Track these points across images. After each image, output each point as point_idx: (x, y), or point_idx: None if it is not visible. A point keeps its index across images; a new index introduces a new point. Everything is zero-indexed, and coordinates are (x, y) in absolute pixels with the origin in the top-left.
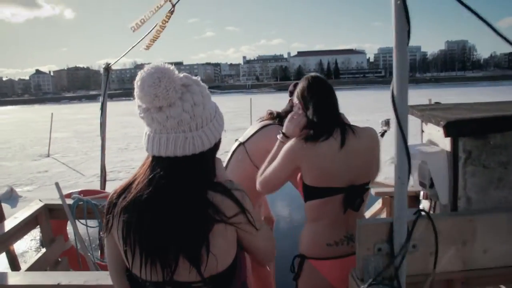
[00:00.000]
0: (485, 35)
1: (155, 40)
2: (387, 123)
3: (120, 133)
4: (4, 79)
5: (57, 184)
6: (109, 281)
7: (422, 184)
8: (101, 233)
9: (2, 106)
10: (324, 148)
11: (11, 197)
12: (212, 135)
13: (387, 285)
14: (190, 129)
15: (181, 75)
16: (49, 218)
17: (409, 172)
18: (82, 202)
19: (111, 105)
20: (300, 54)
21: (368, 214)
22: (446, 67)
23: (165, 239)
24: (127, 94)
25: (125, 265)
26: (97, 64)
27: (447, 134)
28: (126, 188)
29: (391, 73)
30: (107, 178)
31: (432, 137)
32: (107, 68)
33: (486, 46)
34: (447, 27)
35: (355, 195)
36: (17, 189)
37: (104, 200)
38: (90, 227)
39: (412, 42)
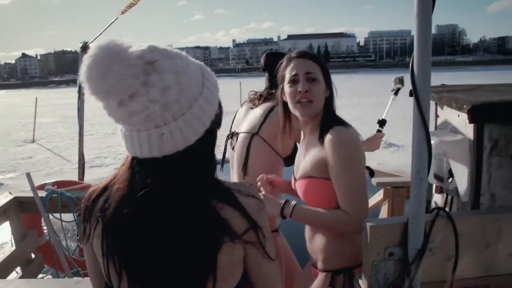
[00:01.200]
0: (475, 20)
1: (131, 7)
2: (401, 80)
3: (107, 118)
4: None
5: (28, 175)
6: None
7: (437, 177)
8: (77, 240)
9: None
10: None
11: None
12: (199, 121)
13: None
14: (164, 122)
15: (144, 47)
16: (20, 212)
17: (429, 166)
18: (56, 195)
19: None
20: (290, 37)
21: None
22: (436, 51)
23: (160, 270)
24: None
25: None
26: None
27: (471, 120)
28: (104, 190)
29: (381, 58)
30: (93, 164)
31: (449, 123)
32: (85, 47)
33: (476, 31)
34: (437, 11)
35: None
36: None
37: (81, 192)
38: (65, 221)
39: (402, 26)
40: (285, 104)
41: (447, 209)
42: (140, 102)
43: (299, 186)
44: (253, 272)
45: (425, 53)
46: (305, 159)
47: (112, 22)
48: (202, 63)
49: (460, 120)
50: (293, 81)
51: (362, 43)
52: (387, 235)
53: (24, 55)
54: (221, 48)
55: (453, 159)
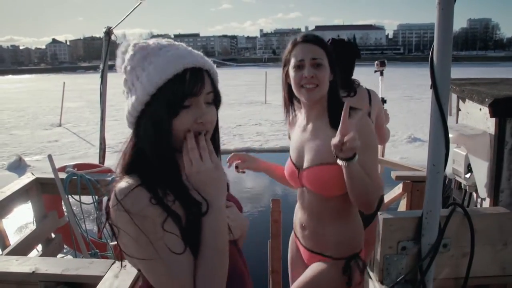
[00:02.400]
0: (510, 14)
1: None
2: (382, 63)
3: None
4: (21, 47)
5: (49, 157)
6: (90, 271)
7: (456, 171)
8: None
9: (18, 74)
10: None
11: (20, 166)
12: (135, 98)
13: None
14: (126, 97)
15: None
16: (42, 193)
17: (446, 159)
18: (76, 177)
19: None
20: (318, 28)
21: (385, 198)
22: (467, 46)
23: None
24: None
25: None
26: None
27: (493, 114)
28: None
29: (410, 51)
30: (117, 149)
31: (471, 117)
32: (108, 32)
33: (510, 25)
34: (470, 5)
35: None
36: (26, 158)
37: (101, 175)
38: (84, 203)
39: (433, 19)
40: (289, 87)
41: (465, 205)
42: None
43: (311, 174)
44: None
45: (445, 43)
46: (314, 146)
47: (135, 8)
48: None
49: (481, 114)
50: (299, 66)
51: (391, 36)
52: (400, 229)
53: (54, 40)
54: (248, 37)
55: (472, 154)
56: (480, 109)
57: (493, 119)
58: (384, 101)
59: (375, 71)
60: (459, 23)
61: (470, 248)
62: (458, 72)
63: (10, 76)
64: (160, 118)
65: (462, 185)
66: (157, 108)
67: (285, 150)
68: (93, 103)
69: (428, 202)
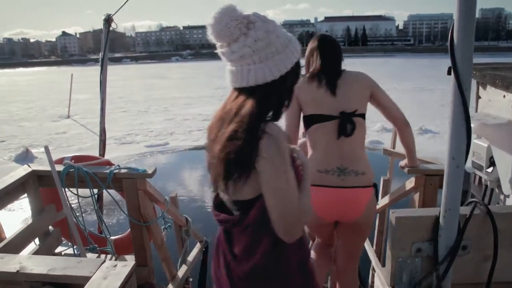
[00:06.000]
0: None
1: None
2: None
3: (142, 96)
4: (31, 40)
5: (46, 148)
6: (78, 271)
7: (476, 165)
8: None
9: (29, 67)
10: (315, 82)
11: (27, 158)
12: (276, 68)
13: None
14: (253, 62)
15: (250, 13)
16: (39, 186)
17: (468, 151)
18: (73, 169)
19: (136, 68)
20: (327, 19)
21: (396, 193)
22: (478, 36)
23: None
24: (152, 57)
25: None
26: (123, 26)
27: None
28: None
29: (420, 42)
30: (124, 141)
31: (493, 104)
32: (108, 19)
33: None
34: None
35: (346, 121)
36: (34, 150)
37: (99, 167)
38: (81, 197)
39: (443, 10)
40: None
41: (485, 202)
42: (239, 45)
43: None
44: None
45: (468, 21)
46: None
47: None
48: (293, 36)
49: (505, 101)
50: None
51: (401, 27)
52: (415, 229)
53: (64, 33)
54: None
55: (495, 146)
56: (504, 96)
57: None
58: None
59: None
60: None
61: (493, 250)
62: None
63: (21, 69)
64: (286, 84)
65: (483, 180)
66: (290, 77)
67: None
68: None
69: (447, 199)
